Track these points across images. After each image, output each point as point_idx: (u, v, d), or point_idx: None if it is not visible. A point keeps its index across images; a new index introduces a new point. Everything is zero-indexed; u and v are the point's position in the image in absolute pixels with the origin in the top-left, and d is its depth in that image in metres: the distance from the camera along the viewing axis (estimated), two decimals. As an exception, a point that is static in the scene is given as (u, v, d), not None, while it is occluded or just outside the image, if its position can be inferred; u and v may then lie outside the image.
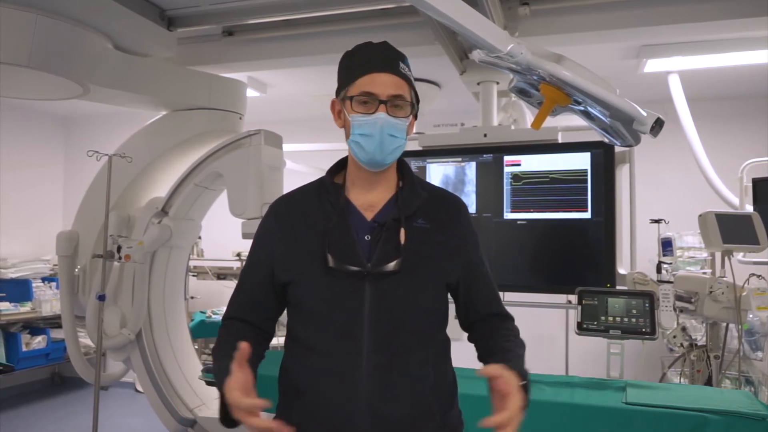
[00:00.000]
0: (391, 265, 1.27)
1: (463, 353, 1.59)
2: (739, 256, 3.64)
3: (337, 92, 1.37)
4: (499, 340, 1.36)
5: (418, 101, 1.39)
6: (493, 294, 1.44)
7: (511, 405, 1.13)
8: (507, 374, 1.16)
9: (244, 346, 1.16)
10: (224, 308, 1.45)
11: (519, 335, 1.39)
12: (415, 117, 1.41)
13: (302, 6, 3.12)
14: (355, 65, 1.34)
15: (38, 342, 5.07)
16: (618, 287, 2.78)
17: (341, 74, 1.37)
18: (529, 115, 3.82)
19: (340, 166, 1.43)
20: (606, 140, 1.92)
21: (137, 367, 3.34)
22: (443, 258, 1.35)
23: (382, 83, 1.29)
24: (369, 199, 1.36)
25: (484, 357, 1.35)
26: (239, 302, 1.42)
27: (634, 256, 2.88)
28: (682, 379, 3.37)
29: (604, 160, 2.87)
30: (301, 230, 1.35)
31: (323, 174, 1.44)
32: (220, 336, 1.37)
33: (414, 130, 1.44)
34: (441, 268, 1.35)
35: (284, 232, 1.36)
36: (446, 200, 1.44)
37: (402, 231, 1.30)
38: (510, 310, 1.47)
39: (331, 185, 1.38)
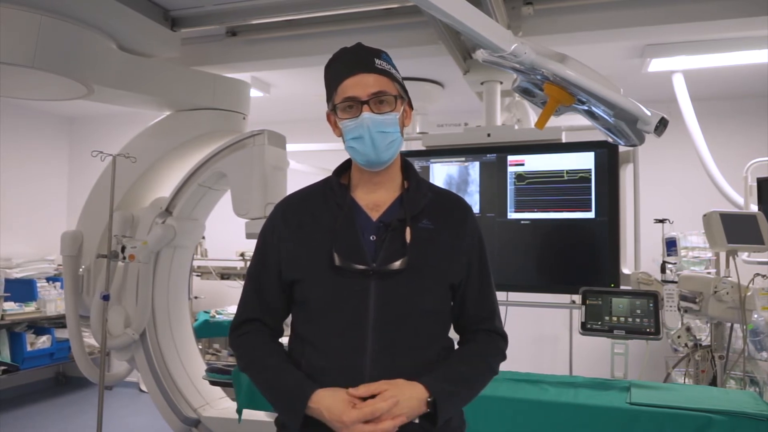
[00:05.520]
0: (397, 264, 1.28)
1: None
2: (744, 255, 3.63)
3: (327, 104, 1.38)
4: (456, 356, 1.37)
5: (406, 91, 1.39)
6: (488, 305, 1.42)
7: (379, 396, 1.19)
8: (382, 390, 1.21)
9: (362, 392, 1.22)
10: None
11: (493, 357, 1.38)
12: (411, 107, 1.42)
13: (305, 6, 3.12)
14: (333, 74, 1.35)
15: (43, 342, 5.08)
16: (622, 287, 2.78)
17: (326, 86, 1.39)
18: (532, 115, 3.82)
19: (346, 166, 1.44)
20: (610, 140, 1.91)
21: (141, 366, 3.34)
22: (448, 258, 1.35)
23: (360, 84, 1.30)
24: (374, 199, 1.37)
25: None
26: (253, 304, 1.41)
27: (639, 255, 2.88)
28: (686, 380, 3.36)
29: (608, 159, 2.87)
30: (308, 229, 1.35)
31: (327, 174, 1.45)
32: (251, 347, 1.37)
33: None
34: (445, 269, 1.35)
35: (291, 231, 1.37)
36: (452, 202, 1.43)
37: (408, 230, 1.30)
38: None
39: (337, 185, 1.39)
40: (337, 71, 1.34)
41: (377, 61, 1.33)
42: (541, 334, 4.87)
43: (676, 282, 2.70)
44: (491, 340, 1.40)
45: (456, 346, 1.42)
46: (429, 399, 1.22)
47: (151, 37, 3.16)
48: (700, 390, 2.39)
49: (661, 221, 3.00)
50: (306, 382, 1.27)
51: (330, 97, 1.36)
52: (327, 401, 1.21)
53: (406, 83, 1.42)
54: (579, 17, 3.08)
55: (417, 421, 1.24)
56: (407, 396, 1.21)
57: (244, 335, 1.39)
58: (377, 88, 1.30)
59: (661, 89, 4.12)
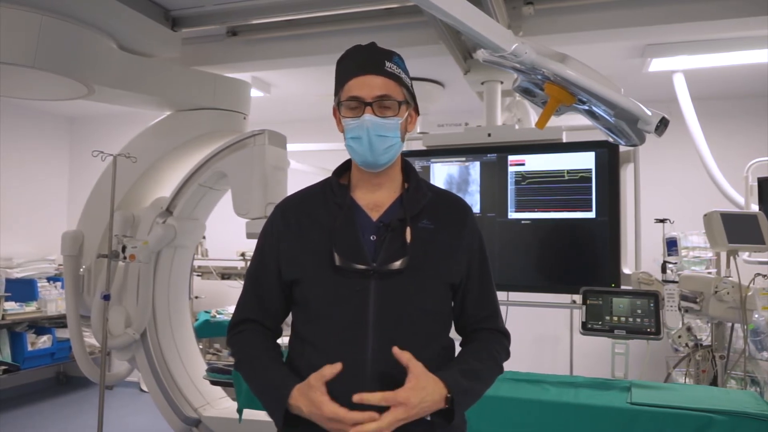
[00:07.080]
0: (397, 264, 1.27)
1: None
2: (745, 255, 3.63)
3: (334, 99, 1.38)
4: (466, 353, 1.36)
5: (413, 97, 1.39)
6: (489, 304, 1.42)
7: (397, 392, 1.17)
8: (414, 367, 1.19)
9: (335, 369, 1.19)
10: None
11: (499, 354, 1.37)
12: (417, 112, 1.42)
13: (306, 6, 3.12)
14: (343, 71, 1.35)
15: (43, 341, 5.09)
16: (623, 287, 2.77)
17: (335, 81, 1.38)
18: (533, 115, 3.82)
19: (346, 167, 1.44)
20: (610, 140, 1.91)
21: (142, 366, 3.35)
22: (447, 258, 1.35)
23: (367, 85, 1.30)
24: (374, 199, 1.37)
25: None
26: (252, 304, 1.41)
27: (639, 255, 2.87)
28: (687, 380, 3.36)
29: (609, 159, 2.87)
30: (308, 229, 1.35)
31: (327, 174, 1.45)
32: (244, 345, 1.37)
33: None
34: (445, 268, 1.35)
35: (291, 232, 1.37)
36: (451, 202, 1.44)
37: (408, 230, 1.30)
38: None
39: (336, 186, 1.39)
40: (346, 68, 1.34)
41: (388, 63, 1.32)
42: (541, 334, 4.87)
43: (676, 282, 2.71)
44: (495, 339, 1.40)
45: (457, 346, 1.42)
46: (447, 395, 1.21)
47: (152, 37, 3.16)
48: (701, 390, 2.38)
49: (662, 221, 3.01)
50: (288, 378, 1.26)
51: (337, 92, 1.36)
52: (304, 399, 1.20)
53: (407, 83, 1.41)
54: (579, 17, 3.08)
55: (428, 418, 1.23)
56: (422, 396, 1.18)
57: (240, 334, 1.40)
58: (383, 92, 1.30)
59: (661, 89, 4.12)
